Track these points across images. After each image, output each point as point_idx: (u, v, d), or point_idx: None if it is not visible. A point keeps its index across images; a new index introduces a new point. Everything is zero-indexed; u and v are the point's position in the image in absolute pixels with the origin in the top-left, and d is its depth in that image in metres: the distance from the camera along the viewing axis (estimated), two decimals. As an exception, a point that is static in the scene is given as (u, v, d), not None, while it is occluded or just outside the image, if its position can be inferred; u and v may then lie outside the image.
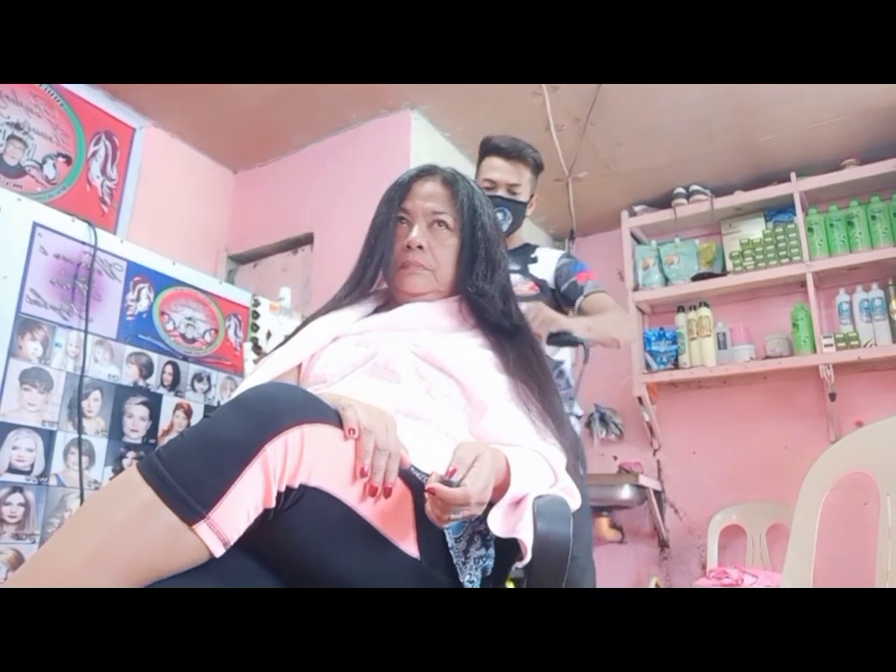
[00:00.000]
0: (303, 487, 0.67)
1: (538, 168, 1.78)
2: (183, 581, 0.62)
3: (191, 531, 0.61)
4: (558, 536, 0.78)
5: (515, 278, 1.66)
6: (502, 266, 1.10)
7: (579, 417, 1.76)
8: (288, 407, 0.68)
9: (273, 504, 0.65)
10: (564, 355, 1.75)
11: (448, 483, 0.71)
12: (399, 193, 1.09)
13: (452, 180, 1.10)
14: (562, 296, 1.73)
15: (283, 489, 0.65)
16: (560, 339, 1.43)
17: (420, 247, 1.05)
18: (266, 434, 0.65)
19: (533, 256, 1.80)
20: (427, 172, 1.11)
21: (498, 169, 1.72)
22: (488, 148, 1.77)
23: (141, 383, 1.79)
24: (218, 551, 0.63)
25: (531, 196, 1.79)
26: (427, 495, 0.72)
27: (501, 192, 1.71)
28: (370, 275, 1.09)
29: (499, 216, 1.66)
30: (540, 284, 1.74)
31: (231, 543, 0.64)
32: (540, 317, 1.40)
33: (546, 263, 1.77)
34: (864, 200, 2.72)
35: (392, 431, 0.76)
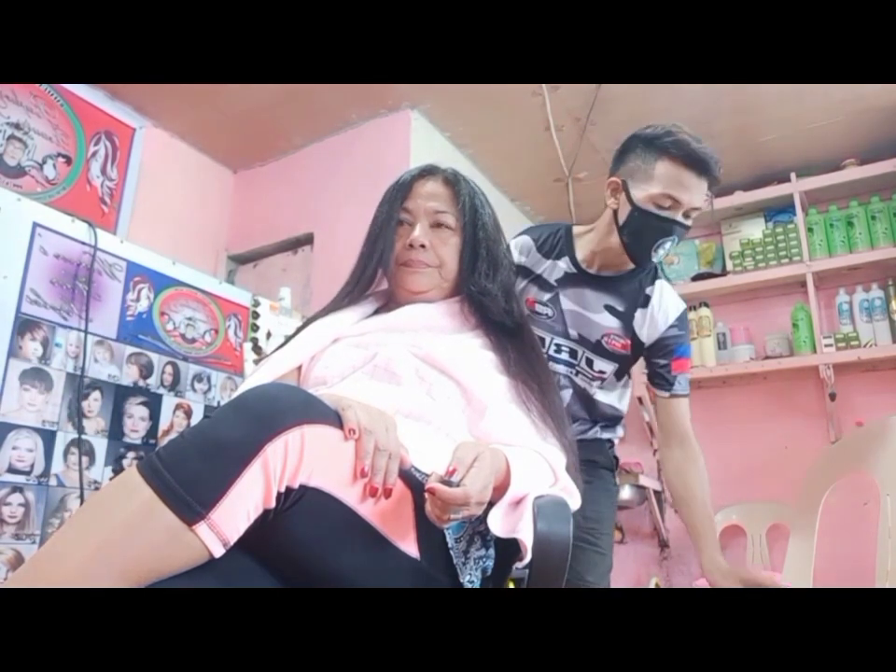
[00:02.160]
0: (303, 488, 0.67)
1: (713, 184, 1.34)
2: (183, 581, 0.62)
3: (191, 531, 0.61)
4: (558, 536, 0.78)
5: (612, 324, 1.38)
6: (504, 265, 1.10)
7: (621, 438, 1.59)
8: (289, 407, 0.68)
9: (272, 504, 0.65)
10: (625, 405, 1.52)
11: (448, 483, 0.71)
12: (400, 193, 1.09)
13: (453, 180, 1.10)
14: (646, 359, 1.43)
15: (283, 489, 0.65)
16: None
17: (423, 246, 1.05)
18: (266, 434, 0.65)
19: (647, 293, 1.39)
20: (428, 171, 1.12)
21: (690, 189, 1.28)
22: (681, 153, 1.30)
23: (141, 383, 1.79)
24: (218, 551, 0.63)
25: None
26: (426, 495, 0.72)
27: (680, 218, 1.29)
28: (369, 273, 1.09)
29: (668, 245, 1.31)
30: (634, 341, 1.40)
31: (231, 543, 0.64)
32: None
33: (654, 322, 1.38)
34: (864, 200, 2.72)
35: (392, 432, 0.76)
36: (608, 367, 1.42)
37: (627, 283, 1.40)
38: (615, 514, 1.56)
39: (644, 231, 1.30)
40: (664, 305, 1.39)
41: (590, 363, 1.42)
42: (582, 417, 1.49)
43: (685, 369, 1.41)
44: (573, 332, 1.42)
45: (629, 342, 1.40)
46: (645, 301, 1.39)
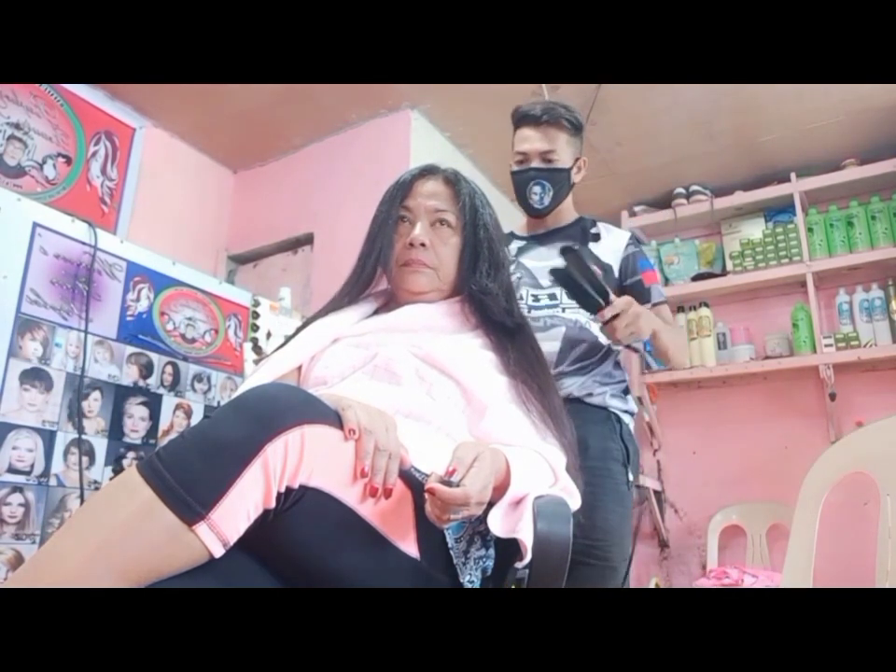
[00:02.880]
0: (303, 488, 0.67)
1: (575, 128, 1.57)
2: (182, 580, 0.62)
3: (191, 532, 0.61)
4: (558, 536, 0.78)
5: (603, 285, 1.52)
6: (505, 265, 1.10)
7: (632, 414, 1.57)
8: (289, 407, 0.68)
9: (272, 505, 0.65)
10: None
11: (448, 483, 0.71)
12: (400, 192, 1.09)
13: (453, 179, 1.10)
14: (621, 289, 1.53)
15: (283, 490, 0.65)
16: (639, 350, 1.31)
17: (423, 245, 1.05)
18: (266, 435, 0.65)
19: (594, 232, 1.59)
20: (428, 171, 1.12)
21: (528, 139, 1.54)
22: (516, 119, 1.59)
23: (141, 383, 1.79)
24: (218, 551, 0.63)
25: (577, 160, 1.58)
26: (426, 495, 0.72)
27: (535, 163, 1.54)
28: (368, 272, 1.09)
29: (537, 189, 1.54)
30: (606, 268, 1.53)
31: (231, 544, 0.64)
32: (637, 324, 1.27)
33: (612, 244, 1.57)
34: (864, 200, 2.72)
35: (392, 432, 0.76)
36: None
37: (570, 230, 1.61)
38: (630, 519, 1.48)
39: (517, 186, 1.59)
40: (612, 233, 1.62)
41: (563, 306, 1.53)
42: (581, 355, 1.48)
43: (655, 280, 1.62)
44: (544, 281, 1.54)
45: (598, 269, 1.49)
46: (595, 237, 1.59)
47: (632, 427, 1.55)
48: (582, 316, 1.49)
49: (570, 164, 1.57)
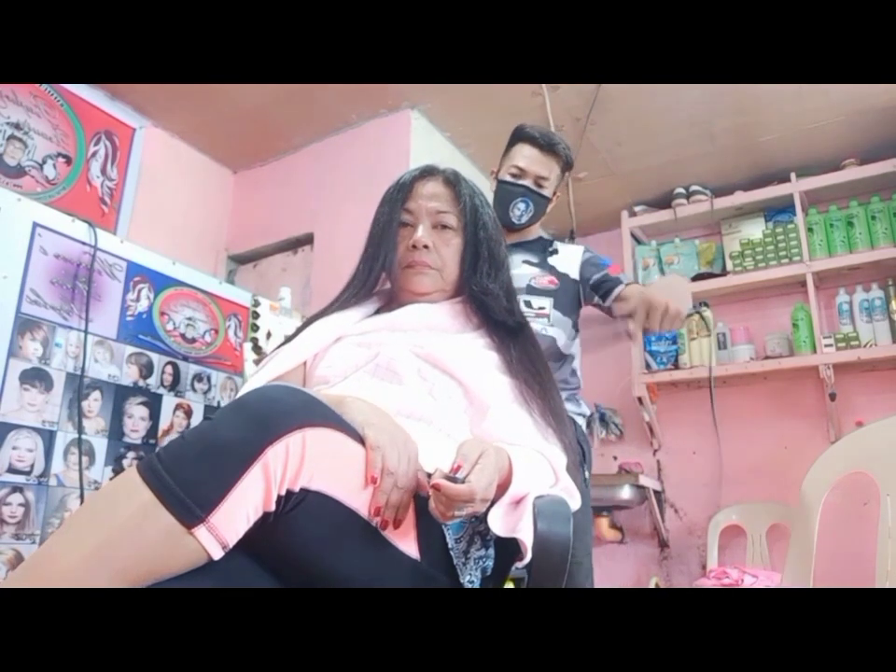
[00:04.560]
0: (304, 491, 0.67)
1: (567, 166, 1.73)
2: (181, 581, 0.62)
3: (190, 534, 0.61)
4: (558, 536, 0.78)
5: (533, 270, 1.67)
6: (506, 265, 1.10)
7: (585, 416, 1.72)
8: (290, 410, 0.68)
9: (272, 508, 0.65)
10: (576, 350, 1.72)
11: (453, 480, 0.71)
12: (401, 193, 1.09)
13: (454, 180, 1.10)
14: (592, 288, 1.66)
15: (283, 493, 0.65)
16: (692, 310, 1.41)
17: (426, 247, 1.05)
18: (267, 437, 0.64)
19: (552, 248, 1.74)
20: (428, 172, 1.11)
21: (529, 158, 1.66)
22: (521, 136, 1.70)
23: (141, 383, 1.79)
24: (217, 554, 0.63)
25: (555, 193, 1.73)
26: (431, 491, 0.72)
27: (527, 182, 1.66)
28: (374, 276, 1.09)
29: (521, 206, 1.66)
30: (561, 277, 1.69)
31: (230, 546, 0.63)
32: (674, 309, 1.37)
33: (569, 257, 1.72)
34: (864, 200, 2.72)
35: (413, 465, 0.77)
36: (545, 302, 1.64)
37: (533, 245, 1.74)
38: (590, 515, 1.60)
39: (503, 196, 1.68)
40: (570, 247, 1.77)
41: (528, 304, 1.63)
42: None
43: (620, 270, 1.71)
44: None
45: (555, 279, 1.67)
46: (554, 252, 1.73)
47: (584, 428, 1.69)
48: (539, 326, 1.61)
49: (552, 196, 1.72)
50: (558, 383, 1.56)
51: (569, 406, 1.60)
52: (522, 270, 1.66)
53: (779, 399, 2.81)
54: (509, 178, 1.67)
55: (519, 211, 1.67)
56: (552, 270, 1.69)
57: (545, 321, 1.62)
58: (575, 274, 1.69)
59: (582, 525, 1.50)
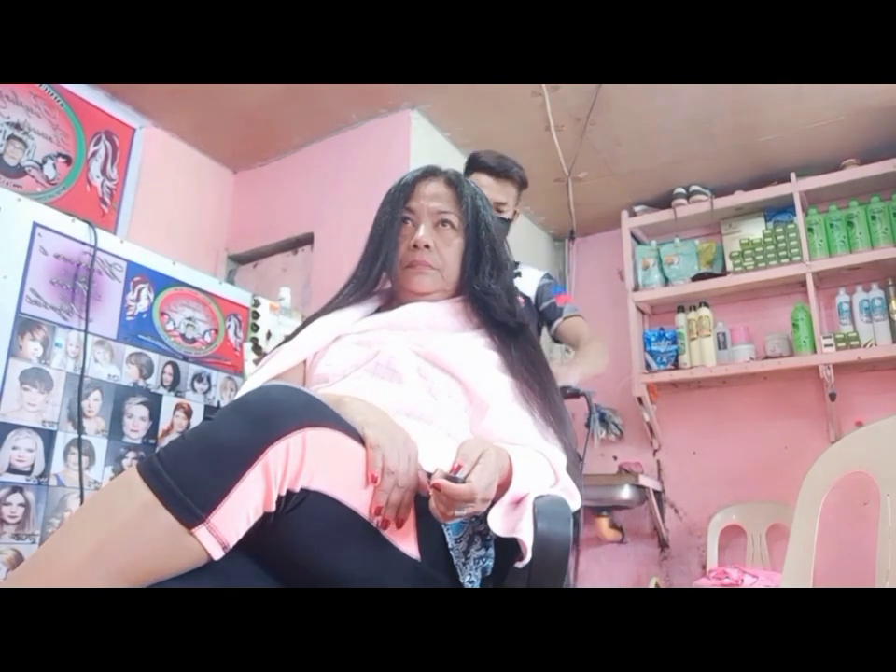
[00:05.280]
0: (304, 491, 0.67)
1: (522, 185, 1.83)
2: (181, 581, 0.62)
3: (190, 534, 0.61)
4: (558, 536, 0.78)
5: None
6: (506, 266, 1.11)
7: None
8: (290, 410, 0.68)
9: (273, 508, 0.65)
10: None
11: (453, 480, 0.71)
12: (403, 193, 1.09)
13: (456, 181, 1.10)
14: (540, 314, 1.82)
15: (283, 493, 0.65)
16: (565, 393, 1.46)
17: (427, 247, 1.05)
18: (268, 438, 0.64)
19: (517, 271, 1.86)
20: (430, 172, 1.12)
21: (486, 187, 1.72)
22: (476, 166, 1.80)
23: (141, 383, 1.79)
24: (217, 554, 0.63)
25: (514, 213, 1.84)
26: (431, 491, 0.72)
27: None
28: (374, 275, 1.09)
29: None
30: (527, 299, 1.81)
31: (230, 546, 0.63)
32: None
33: (529, 281, 1.85)
34: (864, 200, 2.72)
35: (413, 464, 0.76)
36: None
37: None
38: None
39: None
40: (531, 271, 1.91)
41: None
42: None
43: (569, 300, 1.88)
44: None
45: (521, 298, 1.69)
46: (518, 275, 1.86)
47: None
48: None
49: (511, 216, 1.82)
50: None
51: None
52: None
53: (779, 399, 2.81)
54: None
55: None
56: (519, 292, 1.78)
57: None
58: (532, 293, 1.85)
59: None
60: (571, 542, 0.78)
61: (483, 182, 1.76)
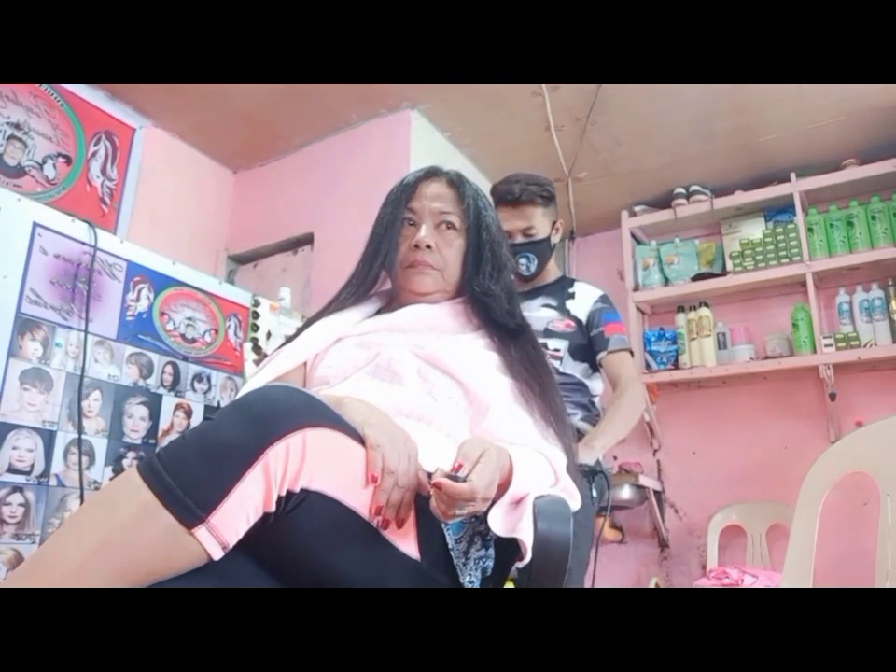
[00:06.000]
0: (305, 491, 0.67)
1: (548, 200, 1.76)
2: (181, 581, 0.62)
3: (190, 535, 0.61)
4: (558, 536, 0.78)
5: (552, 314, 1.74)
6: (508, 267, 1.10)
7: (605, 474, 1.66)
8: (291, 410, 0.68)
9: (273, 508, 0.65)
10: (596, 386, 1.76)
11: (454, 479, 0.71)
12: (405, 193, 1.09)
13: (458, 181, 1.10)
14: (589, 340, 1.73)
15: (284, 493, 0.65)
16: (582, 471, 1.39)
17: (428, 247, 1.05)
18: (268, 438, 0.64)
19: (571, 291, 1.79)
20: (432, 173, 1.12)
21: (508, 219, 1.71)
22: (495, 198, 1.75)
23: (141, 383, 1.79)
24: (217, 554, 0.63)
25: (553, 225, 1.78)
26: (432, 490, 0.72)
27: (518, 238, 1.72)
28: (374, 275, 1.09)
29: (523, 261, 1.74)
30: (577, 322, 1.74)
31: (230, 546, 0.63)
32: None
33: (583, 302, 1.76)
34: (864, 200, 2.72)
35: (413, 463, 0.76)
36: (560, 344, 1.72)
37: (552, 288, 1.80)
38: (591, 529, 1.63)
39: None
40: (585, 291, 1.80)
41: (545, 346, 1.69)
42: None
43: (620, 330, 1.75)
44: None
45: (572, 322, 1.74)
46: (572, 296, 1.78)
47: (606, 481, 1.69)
48: (557, 362, 1.69)
49: (549, 232, 1.76)
50: (575, 406, 1.67)
51: (585, 426, 1.67)
52: (541, 313, 1.74)
53: (779, 399, 2.81)
54: None
55: (523, 265, 1.75)
56: (568, 313, 1.75)
57: (558, 363, 1.69)
58: (584, 318, 1.75)
59: (581, 536, 1.53)
60: (571, 542, 0.78)
61: (503, 215, 1.70)
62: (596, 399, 1.78)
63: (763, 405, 2.84)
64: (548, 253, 1.78)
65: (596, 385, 1.77)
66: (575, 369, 1.72)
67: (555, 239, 1.80)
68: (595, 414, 1.74)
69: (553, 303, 1.76)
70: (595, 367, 1.75)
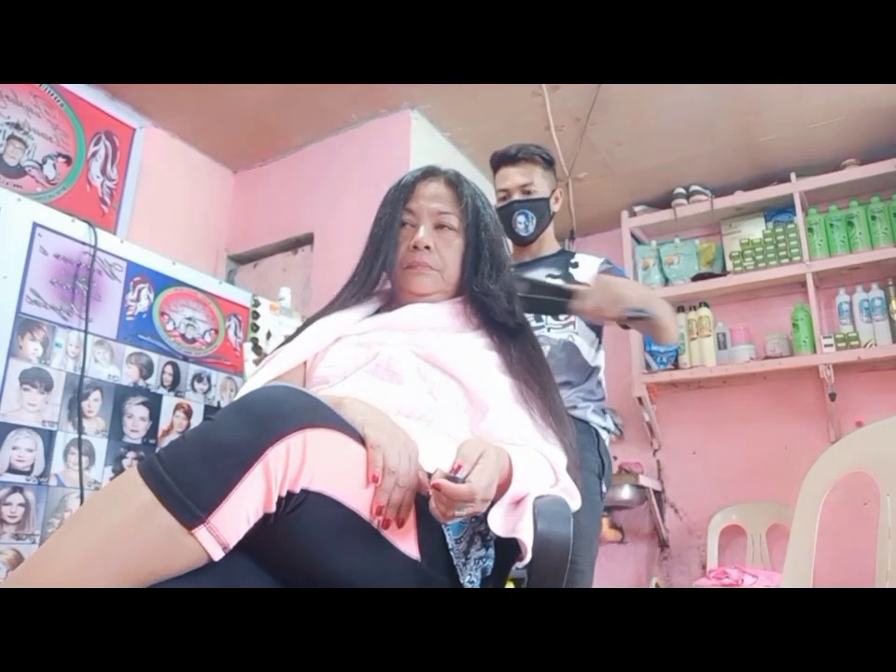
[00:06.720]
0: (305, 492, 0.66)
1: (547, 163, 1.76)
2: (181, 582, 0.62)
3: (191, 535, 0.61)
4: (558, 536, 0.78)
5: (557, 282, 1.69)
6: (507, 266, 1.10)
7: (609, 431, 1.69)
8: (291, 411, 0.68)
9: (273, 509, 0.65)
10: (600, 362, 1.73)
11: (453, 480, 0.71)
12: (403, 194, 1.09)
13: (456, 181, 1.10)
14: None
15: (284, 494, 0.65)
16: (640, 316, 1.22)
17: (427, 248, 1.05)
18: (268, 438, 0.64)
19: (573, 261, 1.76)
20: (430, 173, 1.12)
21: (507, 176, 1.72)
22: (495, 161, 1.77)
23: (141, 383, 1.79)
24: (217, 555, 0.63)
25: (553, 191, 1.76)
26: (431, 491, 0.72)
27: (517, 196, 1.71)
28: (374, 276, 1.09)
29: (521, 219, 1.71)
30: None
31: (230, 547, 0.63)
32: (610, 296, 1.21)
33: (588, 269, 1.72)
34: (864, 200, 2.72)
35: (414, 463, 0.76)
36: None
37: (555, 259, 1.75)
38: (599, 528, 1.61)
39: (503, 220, 1.63)
40: (589, 259, 1.75)
41: (556, 316, 1.69)
42: (566, 372, 1.60)
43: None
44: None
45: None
46: (575, 265, 1.74)
47: (608, 443, 1.67)
48: (566, 334, 1.64)
49: (548, 194, 1.74)
50: (585, 393, 1.63)
51: (595, 418, 1.63)
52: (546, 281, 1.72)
53: (779, 399, 2.81)
54: (499, 203, 1.73)
55: (521, 224, 1.71)
56: (575, 282, 1.68)
57: (571, 328, 1.65)
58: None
59: (589, 535, 1.52)
60: (571, 542, 0.78)
61: (503, 173, 1.73)
62: (601, 377, 1.72)
63: (762, 405, 2.84)
64: (547, 216, 1.75)
65: (601, 362, 1.73)
66: (586, 337, 1.67)
67: (555, 207, 1.77)
68: (601, 398, 1.69)
69: (557, 273, 1.71)
70: (600, 338, 1.71)
